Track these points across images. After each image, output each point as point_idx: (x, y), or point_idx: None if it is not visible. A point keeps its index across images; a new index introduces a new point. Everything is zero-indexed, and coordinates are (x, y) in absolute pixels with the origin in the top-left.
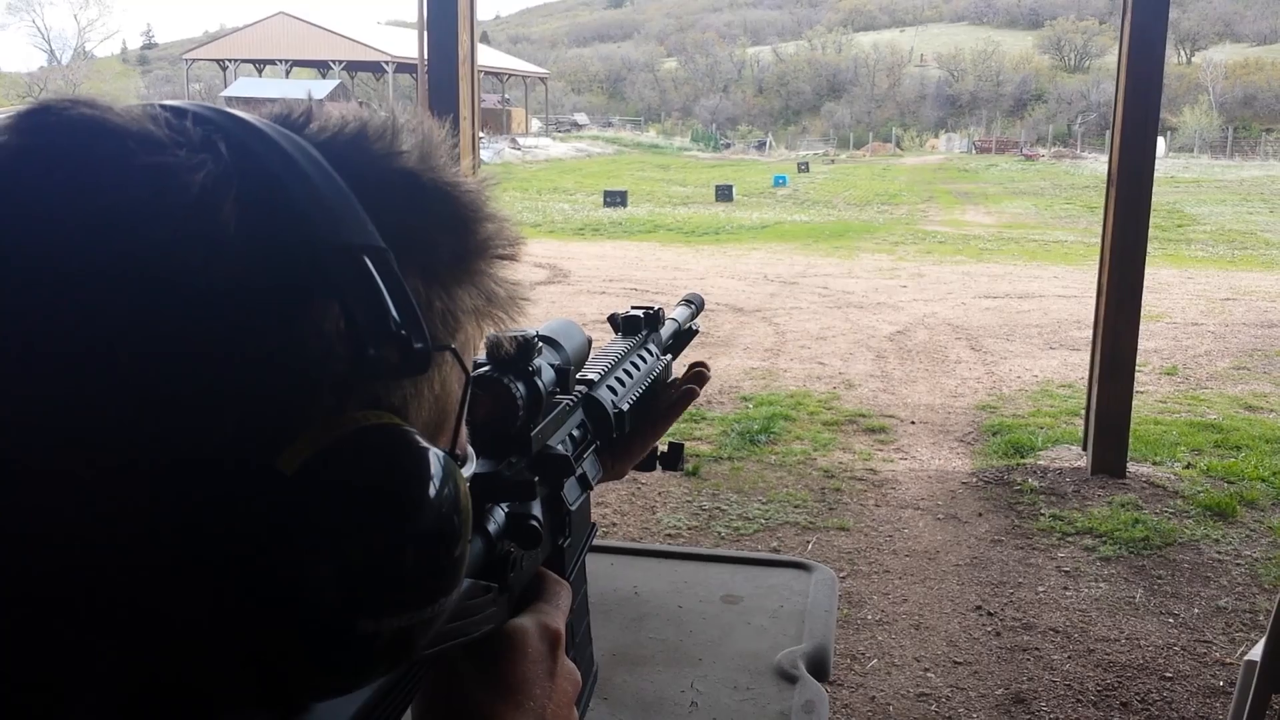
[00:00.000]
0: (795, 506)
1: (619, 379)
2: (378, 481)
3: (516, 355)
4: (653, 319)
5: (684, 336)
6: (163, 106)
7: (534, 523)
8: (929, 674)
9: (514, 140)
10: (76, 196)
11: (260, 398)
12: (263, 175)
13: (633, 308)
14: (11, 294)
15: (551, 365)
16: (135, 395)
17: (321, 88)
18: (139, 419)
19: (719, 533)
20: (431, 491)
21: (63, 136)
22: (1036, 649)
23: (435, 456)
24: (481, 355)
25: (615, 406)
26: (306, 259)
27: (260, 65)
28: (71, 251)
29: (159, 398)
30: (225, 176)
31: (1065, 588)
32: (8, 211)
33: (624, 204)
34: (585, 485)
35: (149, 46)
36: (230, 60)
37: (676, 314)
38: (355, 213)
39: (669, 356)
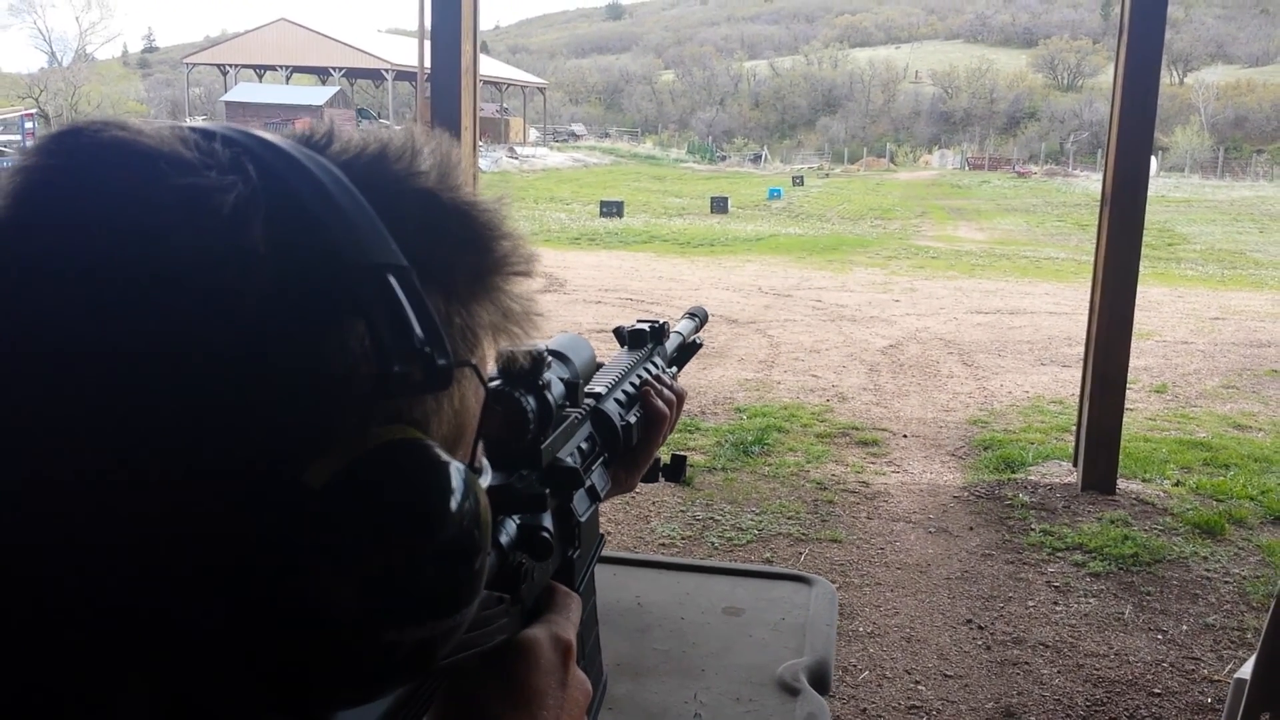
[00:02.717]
0: (788, 518)
1: (626, 392)
2: (403, 495)
3: (527, 370)
4: (658, 332)
5: (688, 349)
6: (191, 128)
7: (545, 534)
8: (920, 686)
9: (511, 149)
10: (110, 217)
11: (288, 414)
12: (290, 196)
13: (638, 321)
14: (46, 313)
15: (561, 379)
16: (166, 410)
17: (321, 94)
18: (170, 433)
19: (712, 543)
20: (454, 505)
21: (96, 159)
22: (1026, 663)
23: (457, 470)
24: (493, 370)
25: (622, 419)
26: (333, 278)
27: (260, 71)
28: (104, 271)
29: (190, 413)
30: (254, 198)
31: (1055, 603)
32: (42, 232)
33: (620, 214)
34: (594, 497)
35: (150, 50)
36: (230, 65)
37: (681, 327)
38: (379, 232)
39: (674, 369)
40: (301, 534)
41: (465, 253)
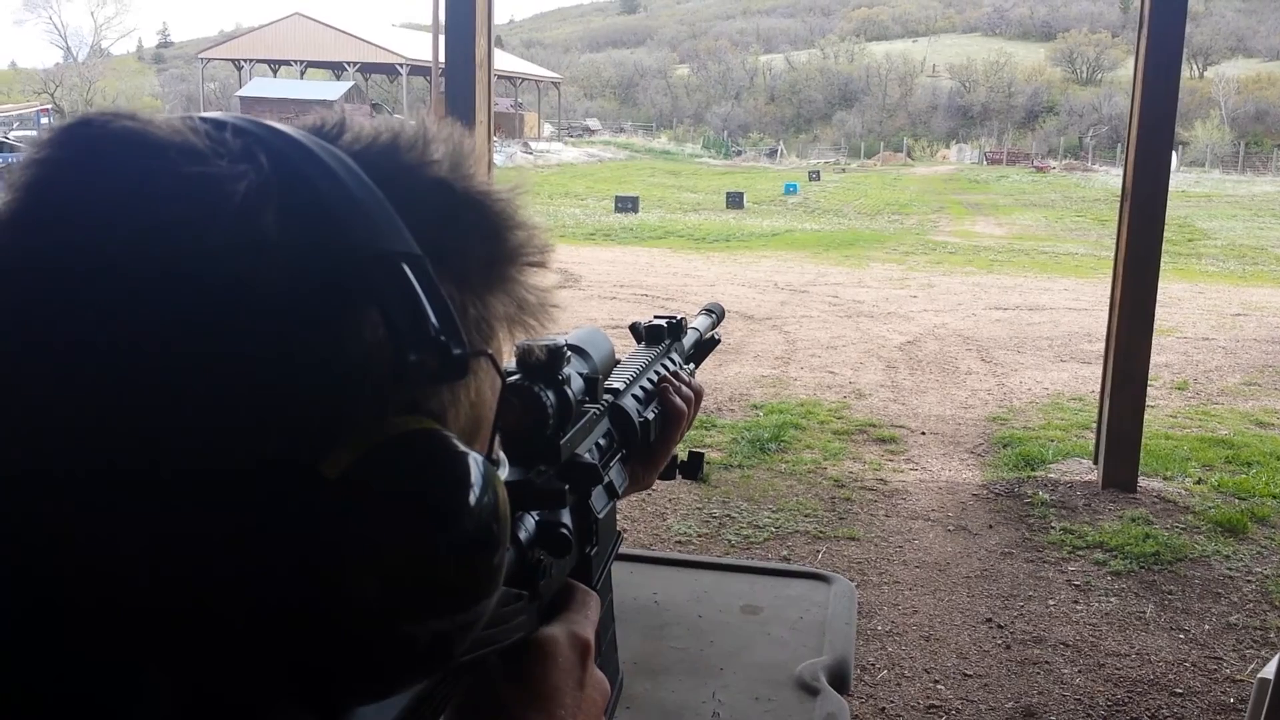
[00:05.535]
0: (805, 515)
1: (643, 388)
2: (420, 486)
3: (546, 364)
4: (675, 328)
5: (705, 346)
6: (202, 118)
7: (564, 531)
8: (939, 686)
9: (526, 144)
10: (121, 209)
11: (304, 404)
12: (302, 185)
13: (655, 317)
14: (59, 307)
15: (580, 374)
16: (184, 402)
17: (335, 89)
18: (187, 425)
19: (729, 540)
20: (472, 497)
21: (106, 150)
22: (1047, 663)
23: (475, 462)
24: (512, 364)
25: (640, 415)
26: (347, 266)
27: (275, 66)
28: (116, 264)
29: (207, 404)
30: (266, 186)
31: (1076, 601)
32: (53, 226)
33: (635, 210)
34: (612, 493)
35: (165, 45)
36: (245, 60)
37: (698, 323)
38: (392, 221)
39: (691, 365)
40: (318, 525)
41: (479, 242)
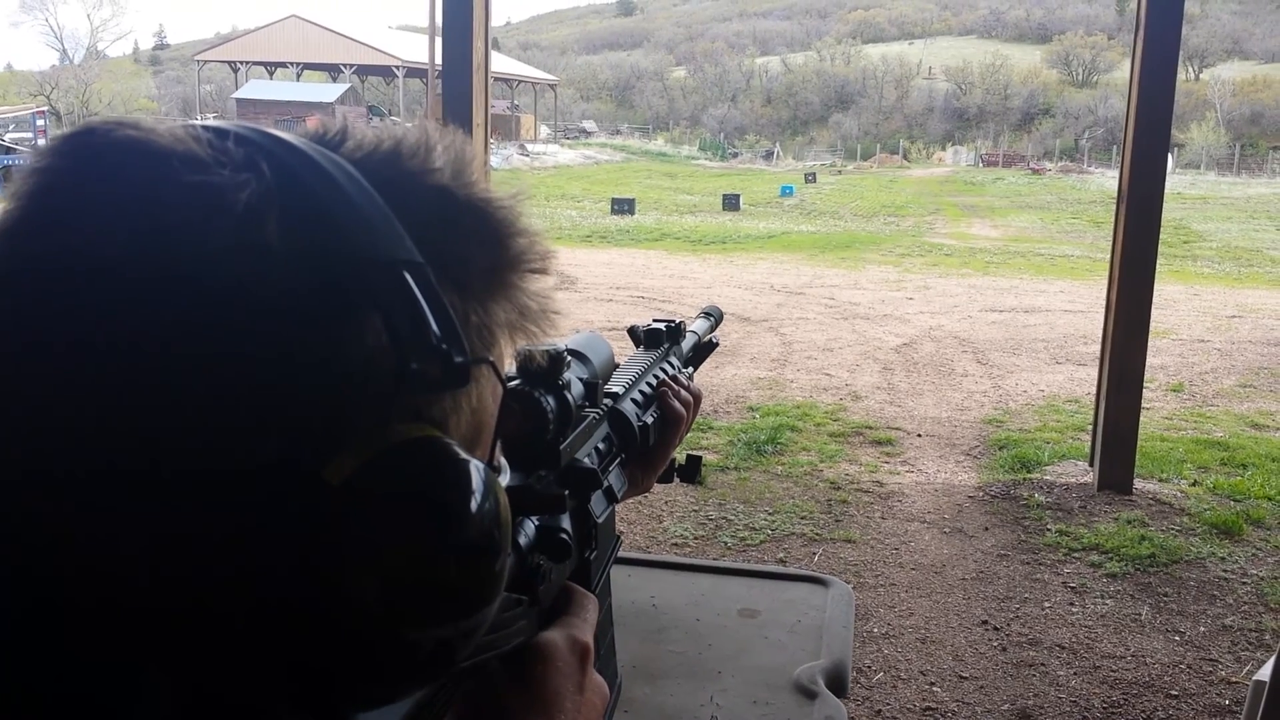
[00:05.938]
0: (802, 518)
1: (643, 392)
2: (422, 493)
3: (547, 369)
4: (674, 332)
5: (704, 349)
6: (204, 127)
7: (564, 536)
8: (935, 688)
9: (523, 146)
10: (123, 216)
11: (306, 410)
12: (304, 193)
13: (654, 320)
14: (62, 312)
15: (580, 379)
16: (186, 407)
17: (332, 91)
18: (189, 430)
19: (725, 543)
20: (474, 504)
21: (109, 158)
22: (1043, 665)
23: (476, 469)
24: (512, 369)
25: (639, 419)
26: (348, 274)
27: (271, 68)
28: (119, 269)
29: (209, 409)
30: (268, 194)
31: (1071, 604)
32: (56, 232)
33: (631, 212)
34: (611, 498)
35: (161, 47)
36: (241, 62)
37: (696, 326)
38: (394, 228)
39: (690, 369)
40: (321, 530)
41: (481, 249)
